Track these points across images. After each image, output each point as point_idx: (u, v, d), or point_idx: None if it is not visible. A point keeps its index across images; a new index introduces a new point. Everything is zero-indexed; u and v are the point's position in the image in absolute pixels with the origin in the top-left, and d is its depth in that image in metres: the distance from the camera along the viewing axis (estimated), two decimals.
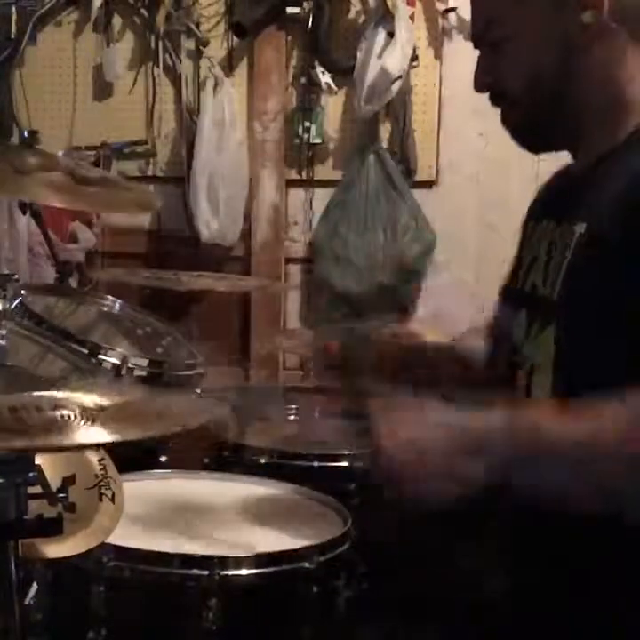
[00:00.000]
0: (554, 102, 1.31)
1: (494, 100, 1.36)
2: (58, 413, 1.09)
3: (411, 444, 1.16)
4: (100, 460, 1.35)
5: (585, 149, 1.34)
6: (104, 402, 1.14)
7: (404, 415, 1.21)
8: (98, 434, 1.06)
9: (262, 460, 1.96)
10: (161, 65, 3.31)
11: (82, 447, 1.20)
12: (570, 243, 1.29)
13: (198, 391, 2.11)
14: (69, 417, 1.08)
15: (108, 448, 1.33)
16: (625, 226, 1.19)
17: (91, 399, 1.14)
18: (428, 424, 1.17)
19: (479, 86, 1.36)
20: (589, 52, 1.27)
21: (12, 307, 1.71)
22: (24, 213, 2.48)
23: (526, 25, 1.29)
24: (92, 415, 1.08)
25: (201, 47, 3.29)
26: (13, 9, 3.29)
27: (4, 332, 1.21)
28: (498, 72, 1.33)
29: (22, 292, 1.94)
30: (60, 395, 1.15)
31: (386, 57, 3.03)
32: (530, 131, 1.35)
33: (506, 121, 1.37)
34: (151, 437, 1.11)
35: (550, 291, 1.31)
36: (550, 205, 1.41)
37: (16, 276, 1.94)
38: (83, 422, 1.07)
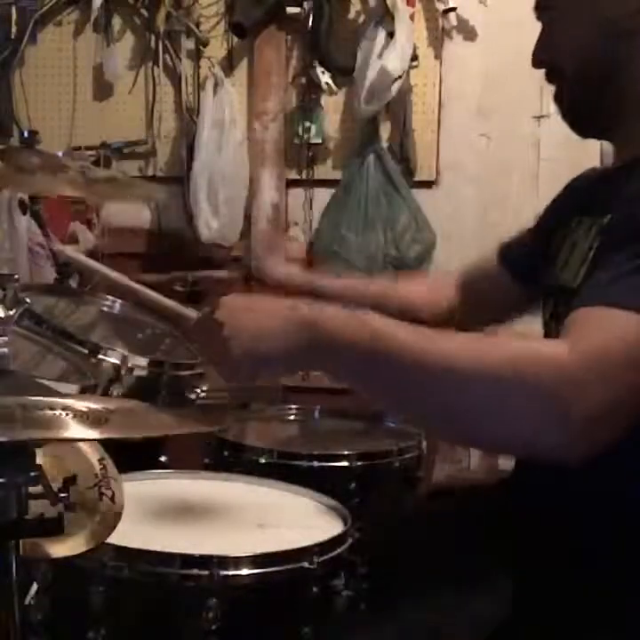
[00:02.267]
0: (602, 85, 1.30)
1: (549, 77, 1.36)
2: (67, 412, 1.09)
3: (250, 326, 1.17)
4: (100, 460, 1.35)
5: (623, 142, 1.34)
6: (108, 407, 1.14)
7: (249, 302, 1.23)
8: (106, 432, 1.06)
9: (262, 460, 1.96)
10: (161, 65, 3.31)
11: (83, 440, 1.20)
12: (595, 234, 1.29)
13: (198, 391, 2.11)
14: (78, 416, 1.08)
15: (110, 448, 1.34)
16: None
17: (93, 405, 1.14)
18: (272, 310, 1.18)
19: (535, 62, 1.36)
20: (636, 39, 1.27)
21: (17, 314, 1.71)
22: (24, 213, 2.48)
23: (573, 3, 1.29)
24: (99, 417, 1.09)
25: (201, 47, 3.29)
26: (13, 9, 3.29)
27: (6, 338, 1.21)
28: (552, 49, 1.33)
29: (22, 292, 1.94)
30: (66, 400, 1.15)
31: (386, 57, 3.03)
32: (579, 112, 1.35)
33: (558, 99, 1.36)
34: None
35: (573, 280, 1.31)
36: (587, 202, 1.40)
37: (16, 276, 1.94)
38: (91, 423, 1.07)
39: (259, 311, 1.19)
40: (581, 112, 1.35)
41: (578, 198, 1.47)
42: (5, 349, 1.24)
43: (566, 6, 1.31)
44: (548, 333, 1.38)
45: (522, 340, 1.10)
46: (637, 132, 1.31)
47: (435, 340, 1.09)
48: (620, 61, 1.28)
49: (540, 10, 1.37)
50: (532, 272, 1.51)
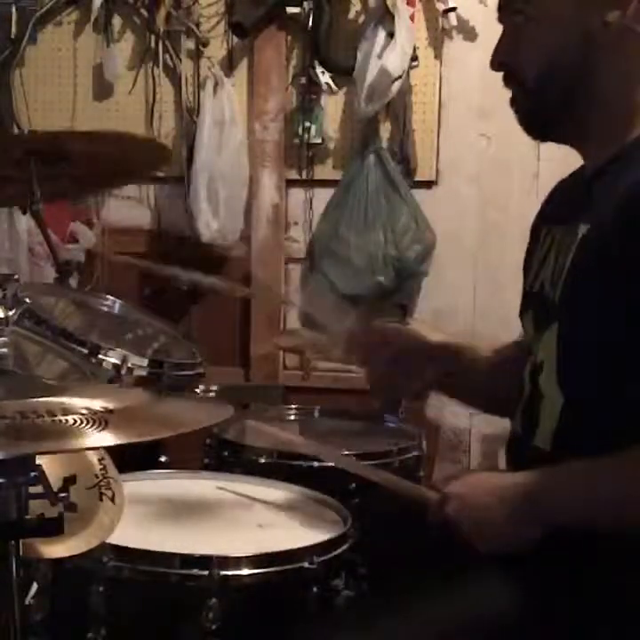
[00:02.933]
0: (565, 95, 1.30)
1: (506, 81, 1.35)
2: (68, 418, 1.09)
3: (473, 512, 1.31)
4: (100, 460, 1.35)
5: (594, 149, 1.34)
6: (110, 406, 1.14)
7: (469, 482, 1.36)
8: (107, 437, 1.06)
9: (262, 460, 1.96)
10: (161, 65, 3.31)
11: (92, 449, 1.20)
12: (572, 244, 1.29)
13: (198, 391, 2.11)
14: (79, 422, 1.08)
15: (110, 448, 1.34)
16: (624, 230, 1.19)
17: (97, 404, 1.14)
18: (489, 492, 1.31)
19: (494, 64, 1.35)
20: (608, 51, 1.26)
21: (17, 315, 1.71)
22: (24, 213, 2.48)
23: (550, 11, 1.29)
24: (100, 420, 1.09)
25: (201, 47, 3.29)
26: (13, 9, 3.29)
27: (5, 339, 1.22)
28: (515, 54, 1.32)
29: (22, 292, 1.94)
30: (66, 400, 1.15)
31: (386, 57, 3.03)
32: (536, 118, 1.35)
33: (514, 104, 1.36)
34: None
35: (553, 292, 1.32)
36: (561, 209, 1.42)
37: (16, 276, 1.94)
38: (92, 427, 1.07)
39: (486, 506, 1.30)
40: (537, 120, 1.36)
41: (556, 206, 1.47)
42: (5, 349, 1.24)
43: (541, 14, 1.30)
44: (531, 347, 1.38)
45: None
46: (606, 140, 1.31)
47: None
48: (590, 72, 1.28)
49: (507, 13, 1.36)
50: None
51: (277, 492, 1.77)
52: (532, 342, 1.39)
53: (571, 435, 1.28)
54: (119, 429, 1.07)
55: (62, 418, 1.09)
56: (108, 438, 1.06)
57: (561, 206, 1.44)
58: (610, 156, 1.30)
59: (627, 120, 1.29)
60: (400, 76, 3.06)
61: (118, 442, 1.05)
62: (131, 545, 1.42)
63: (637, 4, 1.24)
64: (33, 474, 1.08)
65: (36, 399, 1.14)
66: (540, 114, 1.34)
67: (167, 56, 3.30)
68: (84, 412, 1.11)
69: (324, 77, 3.20)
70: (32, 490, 1.10)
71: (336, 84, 3.21)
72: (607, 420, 1.23)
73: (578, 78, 1.29)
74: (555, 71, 1.30)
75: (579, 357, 1.26)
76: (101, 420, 1.09)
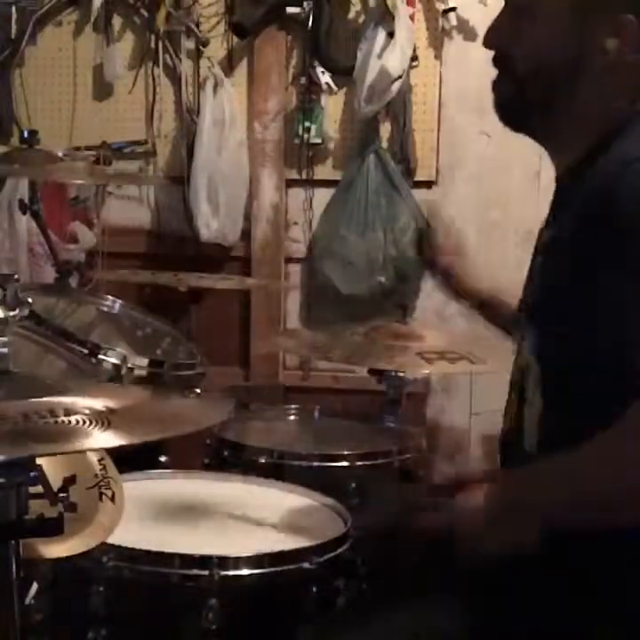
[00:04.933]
0: (547, 96, 1.33)
1: (496, 62, 1.37)
2: (70, 418, 1.09)
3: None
4: (100, 460, 1.35)
5: (562, 154, 1.36)
6: (113, 405, 1.14)
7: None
8: (111, 438, 1.06)
9: (262, 460, 1.96)
10: (161, 65, 3.31)
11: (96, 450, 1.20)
12: (541, 248, 1.33)
13: (198, 391, 2.11)
14: (82, 422, 1.08)
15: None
16: (582, 230, 1.22)
17: (99, 403, 1.14)
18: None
19: (488, 42, 1.36)
20: (598, 72, 1.29)
21: (17, 316, 1.71)
22: (24, 213, 2.48)
23: (554, 18, 1.30)
24: (103, 419, 1.09)
25: (201, 47, 3.29)
26: (13, 9, 3.29)
27: (6, 339, 1.22)
28: (513, 42, 1.33)
29: (22, 292, 1.94)
30: (68, 400, 1.15)
31: (386, 57, 3.03)
32: (514, 106, 1.37)
33: (496, 86, 1.39)
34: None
35: (530, 298, 1.35)
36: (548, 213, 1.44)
37: (16, 276, 1.94)
38: (95, 427, 1.07)
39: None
40: (514, 109, 1.37)
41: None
42: (5, 349, 1.24)
43: (546, 18, 1.31)
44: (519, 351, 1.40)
45: None
46: (568, 148, 1.33)
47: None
48: (573, 83, 1.30)
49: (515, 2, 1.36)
50: None
51: (277, 492, 1.77)
52: (518, 345, 1.40)
53: (554, 439, 1.28)
54: (122, 429, 1.07)
55: (65, 419, 1.09)
56: (111, 438, 1.05)
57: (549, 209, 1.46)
58: (572, 161, 1.32)
59: (597, 133, 1.31)
60: (400, 76, 3.06)
61: (122, 442, 1.04)
62: (131, 545, 1.42)
63: (636, 36, 1.26)
64: (33, 474, 1.08)
65: (37, 400, 1.14)
66: (519, 104, 1.36)
67: (167, 56, 3.30)
68: (86, 412, 1.11)
69: (324, 77, 3.20)
70: (32, 490, 1.10)
71: (336, 84, 3.21)
72: (587, 424, 1.23)
73: (563, 85, 1.31)
74: (544, 73, 1.32)
75: (554, 362, 1.28)
76: (104, 419, 1.09)
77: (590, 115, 1.31)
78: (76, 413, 1.10)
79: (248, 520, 1.63)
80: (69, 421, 1.08)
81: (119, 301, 2.32)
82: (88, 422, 1.08)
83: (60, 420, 1.08)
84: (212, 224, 3.22)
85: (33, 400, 1.14)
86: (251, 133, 3.27)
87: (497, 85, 1.39)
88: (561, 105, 1.32)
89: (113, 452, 1.35)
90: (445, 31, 3.18)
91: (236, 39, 3.27)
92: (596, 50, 1.28)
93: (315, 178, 3.30)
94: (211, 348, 2.42)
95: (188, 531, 1.58)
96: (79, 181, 2.24)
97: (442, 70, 3.21)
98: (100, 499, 1.31)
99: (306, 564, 1.44)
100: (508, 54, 1.35)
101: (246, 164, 3.26)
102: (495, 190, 3.21)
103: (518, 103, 1.36)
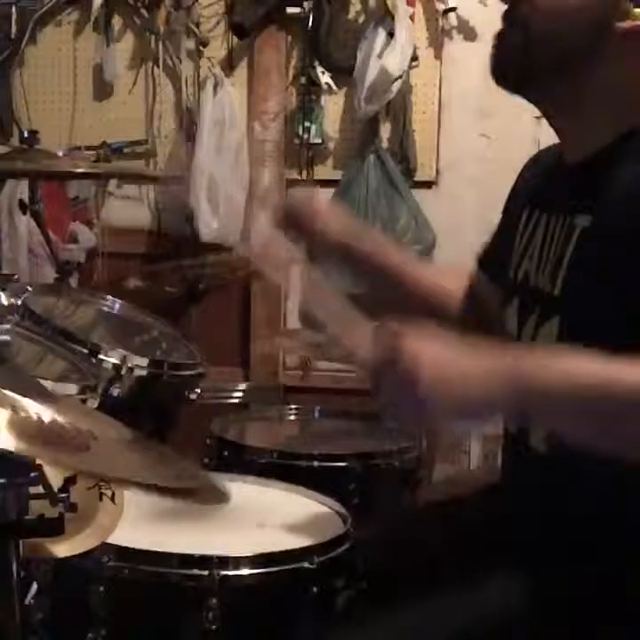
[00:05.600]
0: (561, 60, 1.25)
1: (507, 16, 1.29)
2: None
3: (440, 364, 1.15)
4: None
5: (581, 137, 1.32)
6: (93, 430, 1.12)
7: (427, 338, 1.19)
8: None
9: (262, 460, 1.96)
10: (161, 65, 3.31)
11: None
12: (571, 237, 1.27)
13: (198, 391, 2.11)
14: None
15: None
16: (631, 222, 1.18)
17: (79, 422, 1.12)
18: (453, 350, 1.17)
19: None
20: (617, 45, 1.24)
21: (18, 302, 1.72)
22: (24, 213, 2.48)
23: None
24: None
25: (201, 47, 3.29)
26: (13, 9, 3.29)
27: (8, 326, 1.22)
28: (531, 3, 1.27)
29: (22, 291, 1.94)
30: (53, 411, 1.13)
31: (386, 57, 3.03)
32: (518, 65, 1.28)
33: (500, 38, 1.30)
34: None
35: (550, 285, 1.30)
36: (545, 193, 1.39)
37: (16, 276, 1.94)
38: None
39: (458, 360, 1.16)
40: (519, 67, 1.28)
41: (534, 188, 1.45)
42: (7, 337, 1.23)
43: None
44: (523, 326, 1.36)
45: None
46: (597, 129, 1.28)
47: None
48: (591, 51, 1.24)
49: None
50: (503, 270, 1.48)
51: (277, 492, 1.77)
52: (516, 333, 1.36)
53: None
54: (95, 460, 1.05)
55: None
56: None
57: (545, 190, 1.41)
58: (601, 146, 1.28)
59: (615, 113, 1.27)
60: (400, 76, 3.06)
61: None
62: (131, 545, 1.42)
63: None
64: (33, 474, 1.08)
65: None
66: (525, 63, 1.27)
67: (167, 56, 3.30)
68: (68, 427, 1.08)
69: (324, 77, 3.20)
70: (32, 490, 1.10)
71: (336, 84, 3.21)
72: None
73: (580, 50, 1.25)
74: (564, 32, 1.25)
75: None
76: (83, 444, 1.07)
77: (607, 88, 1.26)
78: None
79: (248, 520, 1.63)
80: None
81: (119, 301, 2.32)
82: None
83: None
84: (212, 224, 3.22)
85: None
86: (251, 133, 3.27)
87: (501, 37, 1.29)
88: (579, 75, 1.26)
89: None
90: (445, 31, 3.18)
91: (235, 39, 3.27)
92: (611, 32, 1.23)
93: (315, 178, 3.30)
94: (211, 348, 2.42)
95: (188, 531, 1.58)
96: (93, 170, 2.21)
97: (442, 70, 3.21)
98: (100, 499, 1.31)
99: (306, 564, 1.44)
100: (522, 9, 1.27)
101: (246, 163, 3.26)
102: (494, 191, 3.19)
103: (525, 61, 1.27)
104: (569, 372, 1.12)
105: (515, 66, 1.29)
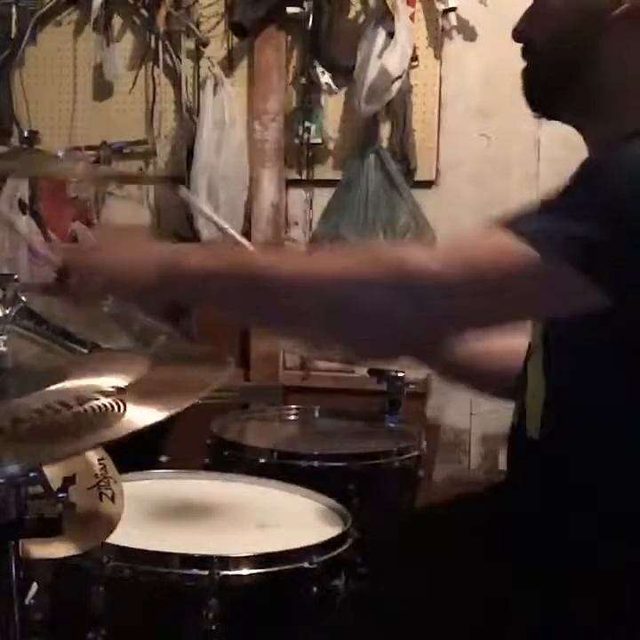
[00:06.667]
0: (570, 70, 1.28)
1: (524, 53, 1.32)
2: (85, 406, 1.07)
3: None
4: (100, 460, 1.35)
5: (596, 133, 1.32)
6: (122, 383, 1.13)
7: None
8: (136, 416, 1.05)
9: (262, 460, 1.97)
10: (161, 65, 3.31)
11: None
12: None
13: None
14: (99, 408, 1.07)
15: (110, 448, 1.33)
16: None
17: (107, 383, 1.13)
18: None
19: (514, 34, 1.33)
20: (616, 34, 1.24)
21: (14, 312, 1.71)
22: (24, 213, 2.48)
23: None
24: (117, 399, 1.07)
25: (201, 47, 3.29)
26: (13, 9, 3.29)
27: (5, 337, 1.22)
28: (531, 19, 1.31)
29: (21, 291, 1.94)
30: (75, 385, 1.14)
31: (386, 57, 3.03)
32: (541, 90, 1.31)
33: (524, 75, 1.33)
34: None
35: None
36: None
37: (16, 276, 1.94)
38: (114, 409, 1.06)
39: (134, 247, 1.33)
40: (544, 91, 1.31)
41: None
42: (5, 348, 1.24)
43: None
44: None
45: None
46: (608, 125, 1.29)
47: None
48: (597, 52, 1.25)
49: None
50: None
51: (277, 492, 1.77)
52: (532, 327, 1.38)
53: (556, 424, 1.26)
54: (139, 407, 1.06)
55: (81, 408, 1.07)
56: (137, 419, 1.04)
57: None
58: (606, 144, 1.28)
59: (626, 109, 1.27)
60: (400, 76, 3.06)
61: (153, 419, 1.03)
62: (131, 545, 1.42)
63: None
64: (33, 474, 1.08)
65: (44, 392, 1.13)
66: (545, 84, 1.30)
67: (167, 56, 3.30)
68: (97, 396, 1.09)
69: (324, 77, 3.20)
70: (32, 490, 1.10)
71: (336, 84, 3.21)
72: (591, 413, 1.22)
73: (583, 56, 1.25)
74: (563, 42, 1.27)
75: (564, 345, 1.25)
76: (117, 402, 1.08)
77: (618, 85, 1.25)
78: (88, 400, 1.09)
79: (248, 520, 1.63)
80: (85, 410, 1.07)
81: (119, 302, 2.32)
82: (104, 407, 1.07)
83: (76, 409, 1.07)
84: (213, 224, 3.22)
85: (38, 394, 1.13)
86: (251, 133, 3.27)
87: (524, 73, 1.33)
88: (586, 78, 1.26)
89: (113, 452, 1.35)
90: (445, 31, 3.18)
91: (235, 39, 3.27)
92: (610, 7, 1.22)
93: (315, 178, 3.30)
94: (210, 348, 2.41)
95: (188, 531, 1.58)
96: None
97: (442, 70, 3.21)
98: (100, 499, 1.31)
99: (306, 564, 1.44)
100: (527, 35, 1.31)
101: (246, 164, 3.26)
102: (494, 191, 3.20)
103: (544, 83, 1.30)
104: (215, 255, 1.24)
105: (541, 95, 1.32)
